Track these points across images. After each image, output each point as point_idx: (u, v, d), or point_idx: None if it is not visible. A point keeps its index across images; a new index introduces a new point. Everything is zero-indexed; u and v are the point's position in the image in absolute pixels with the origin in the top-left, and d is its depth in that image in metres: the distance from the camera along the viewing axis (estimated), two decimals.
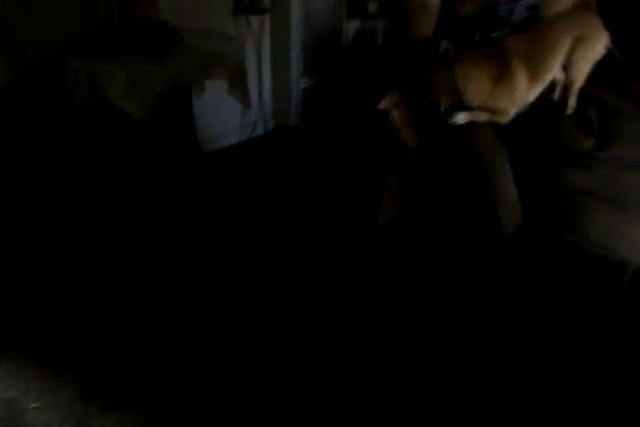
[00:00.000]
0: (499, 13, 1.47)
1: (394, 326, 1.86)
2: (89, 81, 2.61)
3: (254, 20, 3.45)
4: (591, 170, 1.32)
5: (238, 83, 3.07)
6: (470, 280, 1.43)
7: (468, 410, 1.59)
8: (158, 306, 2.13)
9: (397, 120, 1.39)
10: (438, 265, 1.52)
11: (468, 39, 1.47)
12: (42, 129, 2.70)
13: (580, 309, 1.29)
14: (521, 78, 1.29)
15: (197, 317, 2.09)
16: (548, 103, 1.39)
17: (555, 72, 1.32)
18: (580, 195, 1.30)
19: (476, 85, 1.27)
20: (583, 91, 1.38)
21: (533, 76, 1.30)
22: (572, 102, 1.38)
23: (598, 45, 1.32)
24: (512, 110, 1.31)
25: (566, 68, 1.33)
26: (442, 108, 1.30)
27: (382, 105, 1.38)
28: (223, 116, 3.45)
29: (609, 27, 1.35)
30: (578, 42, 1.30)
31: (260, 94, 3.59)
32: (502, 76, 1.27)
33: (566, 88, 1.37)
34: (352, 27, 4.02)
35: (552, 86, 1.38)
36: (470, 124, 1.34)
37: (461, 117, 1.31)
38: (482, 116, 1.32)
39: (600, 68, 1.37)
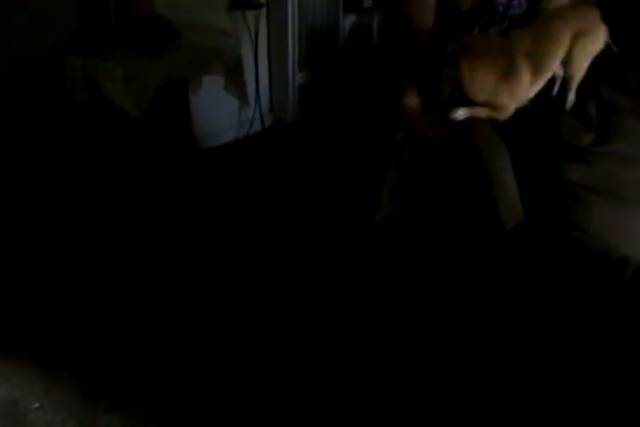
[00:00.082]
0: (497, 8, 1.47)
1: (394, 323, 1.86)
2: (86, 78, 2.59)
3: (250, 15, 3.42)
4: (590, 165, 1.32)
5: (235, 79, 3.06)
6: (470, 277, 1.44)
7: (468, 410, 1.59)
8: (158, 305, 2.13)
9: (414, 114, 1.39)
10: (438, 262, 1.52)
11: (467, 33, 1.47)
12: (38, 127, 2.68)
13: (581, 306, 1.29)
14: (525, 74, 1.29)
15: (197, 315, 2.08)
16: (547, 98, 1.39)
17: (555, 68, 1.32)
18: (579, 190, 1.30)
19: (482, 81, 1.27)
20: (582, 86, 1.38)
21: (536, 72, 1.30)
22: (571, 97, 1.38)
23: (597, 40, 1.32)
24: (512, 106, 1.31)
25: (566, 63, 1.33)
26: (445, 96, 1.30)
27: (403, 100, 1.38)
28: (220, 113, 3.44)
29: (607, 20, 1.35)
30: (577, 37, 1.30)
31: (257, 90, 3.58)
32: (508, 72, 1.27)
33: (565, 83, 1.38)
34: (348, 21, 4.01)
35: (551, 81, 1.38)
36: (470, 120, 1.34)
37: (461, 113, 1.31)
38: (482, 112, 1.32)
39: (598, 62, 1.37)
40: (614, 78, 1.42)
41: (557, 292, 1.30)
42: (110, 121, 2.72)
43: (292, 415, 1.68)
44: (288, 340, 1.95)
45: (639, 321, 1.29)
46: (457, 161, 1.39)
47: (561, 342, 1.35)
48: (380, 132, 2.16)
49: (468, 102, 1.31)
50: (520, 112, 1.34)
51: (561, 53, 1.31)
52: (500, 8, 1.47)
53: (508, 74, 1.28)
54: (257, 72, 3.56)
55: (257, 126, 3.71)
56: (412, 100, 1.38)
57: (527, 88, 1.31)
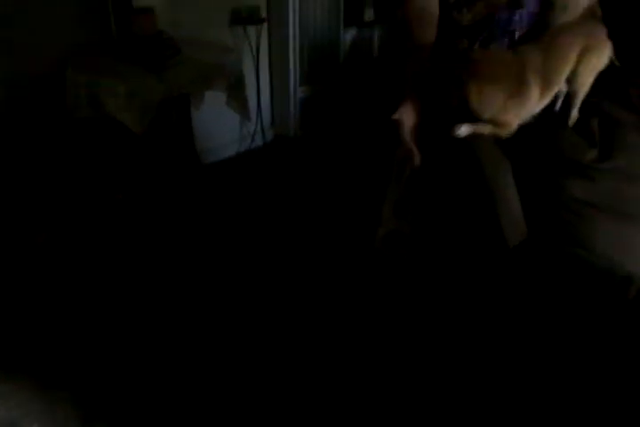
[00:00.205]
0: (497, 23, 1.47)
1: (395, 336, 1.85)
2: (89, 95, 2.60)
3: (252, 30, 3.44)
4: (594, 181, 1.31)
5: (237, 94, 3.06)
6: (473, 294, 1.42)
7: (467, 410, 1.58)
8: (161, 324, 2.11)
9: (406, 132, 1.37)
10: (441, 278, 1.51)
11: (470, 49, 1.46)
12: (41, 143, 2.69)
13: (585, 323, 1.27)
14: (535, 91, 1.28)
15: (200, 334, 2.07)
16: (549, 114, 1.38)
17: (561, 84, 1.31)
18: (582, 206, 1.29)
19: (490, 100, 1.26)
20: (584, 101, 1.37)
21: (545, 88, 1.29)
22: (574, 113, 1.37)
23: (603, 56, 1.31)
24: (515, 123, 1.30)
25: (570, 79, 1.32)
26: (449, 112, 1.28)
27: (397, 115, 1.36)
28: (222, 128, 3.44)
29: (611, 35, 1.34)
30: (584, 53, 1.29)
31: (258, 105, 3.59)
32: (519, 89, 1.26)
33: (569, 99, 1.37)
34: (349, 35, 4.03)
35: (555, 97, 1.37)
36: (472, 136, 1.33)
37: (464, 130, 1.30)
38: (485, 129, 1.31)
39: (601, 77, 1.37)
40: (616, 93, 1.41)
41: (561, 309, 1.28)
42: (112, 137, 2.72)
43: (291, 416, 1.68)
44: (287, 346, 1.95)
45: None
46: (459, 177, 1.38)
47: (564, 359, 1.33)
48: (381, 145, 2.15)
49: (472, 118, 1.30)
50: (523, 128, 1.33)
51: (568, 69, 1.30)
52: (501, 23, 1.46)
53: (518, 91, 1.27)
54: (258, 87, 3.56)
55: (258, 141, 3.71)
56: (408, 117, 1.36)
57: (535, 105, 1.30)
